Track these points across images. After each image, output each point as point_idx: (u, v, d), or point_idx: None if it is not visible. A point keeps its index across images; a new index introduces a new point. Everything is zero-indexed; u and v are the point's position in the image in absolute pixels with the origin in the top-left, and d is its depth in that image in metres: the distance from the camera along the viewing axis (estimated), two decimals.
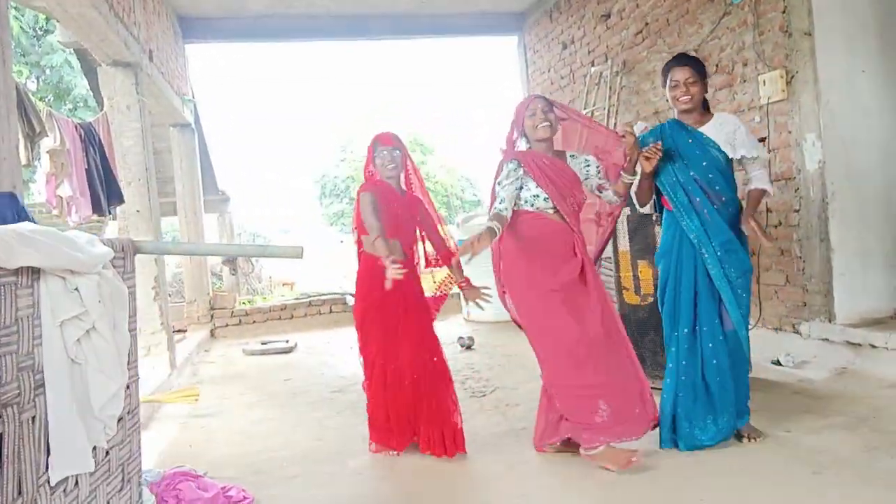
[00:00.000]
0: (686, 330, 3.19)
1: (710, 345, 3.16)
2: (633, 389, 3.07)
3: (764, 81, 4.76)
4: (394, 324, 3.34)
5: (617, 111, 6.71)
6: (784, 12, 4.60)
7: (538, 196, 3.13)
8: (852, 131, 4.47)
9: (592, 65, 7.28)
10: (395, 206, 3.38)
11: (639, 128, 5.88)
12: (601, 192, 3.26)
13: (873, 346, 4.14)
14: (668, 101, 3.33)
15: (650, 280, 4.20)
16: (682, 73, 3.17)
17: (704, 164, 3.16)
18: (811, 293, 4.55)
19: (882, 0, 4.62)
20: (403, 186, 3.55)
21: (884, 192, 4.59)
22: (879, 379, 3.93)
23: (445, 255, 3.58)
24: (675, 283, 3.23)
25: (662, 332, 4.08)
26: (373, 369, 3.41)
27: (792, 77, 4.57)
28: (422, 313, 3.48)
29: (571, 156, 3.28)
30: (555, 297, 3.07)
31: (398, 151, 3.41)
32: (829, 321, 4.43)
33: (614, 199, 3.27)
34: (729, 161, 3.21)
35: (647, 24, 6.27)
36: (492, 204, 3.19)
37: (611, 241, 4.24)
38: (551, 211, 3.14)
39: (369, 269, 3.31)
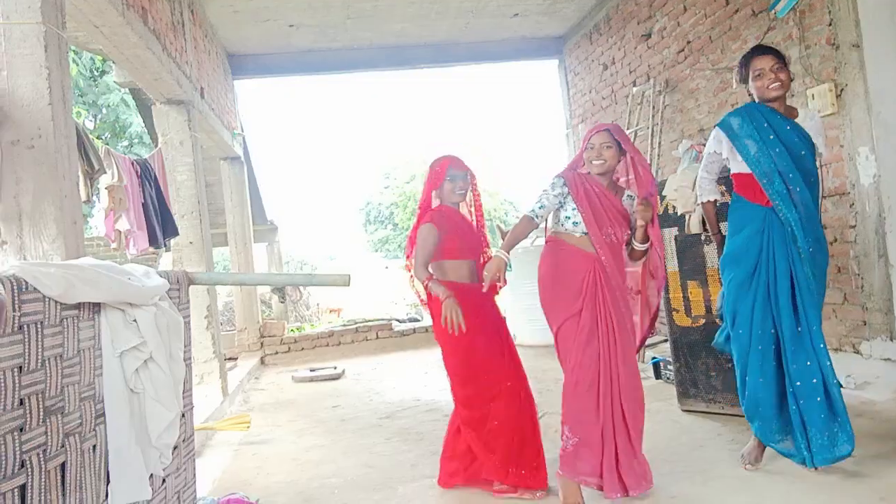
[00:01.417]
0: (789, 330, 2.94)
1: (822, 345, 2.92)
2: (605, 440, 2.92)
3: (813, 95, 4.66)
4: (497, 344, 3.24)
5: (661, 130, 6.65)
6: (830, 25, 4.51)
7: (569, 218, 3.06)
8: None
9: (634, 84, 7.25)
10: (463, 228, 3.33)
11: (684, 146, 5.83)
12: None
13: None
14: (751, 95, 3.12)
15: (701, 301, 4.12)
16: (764, 62, 3.00)
17: (803, 153, 2.98)
18: (871, 311, 4.39)
19: None
20: (464, 212, 3.46)
21: None
22: None
23: None
24: (769, 281, 2.99)
25: (714, 355, 4.01)
26: (492, 398, 3.17)
27: (841, 90, 4.47)
28: (506, 329, 3.40)
29: (630, 196, 3.17)
30: (569, 324, 3.00)
31: (468, 177, 3.33)
32: (892, 340, 4.26)
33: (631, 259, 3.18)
34: (817, 158, 3.08)
35: (688, 42, 6.22)
36: (533, 206, 3.17)
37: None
38: (578, 234, 3.05)
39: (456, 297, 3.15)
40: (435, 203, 3.36)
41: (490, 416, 3.15)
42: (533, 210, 3.10)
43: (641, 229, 3.02)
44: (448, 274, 3.24)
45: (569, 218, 3.07)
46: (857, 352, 4.49)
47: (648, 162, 6.57)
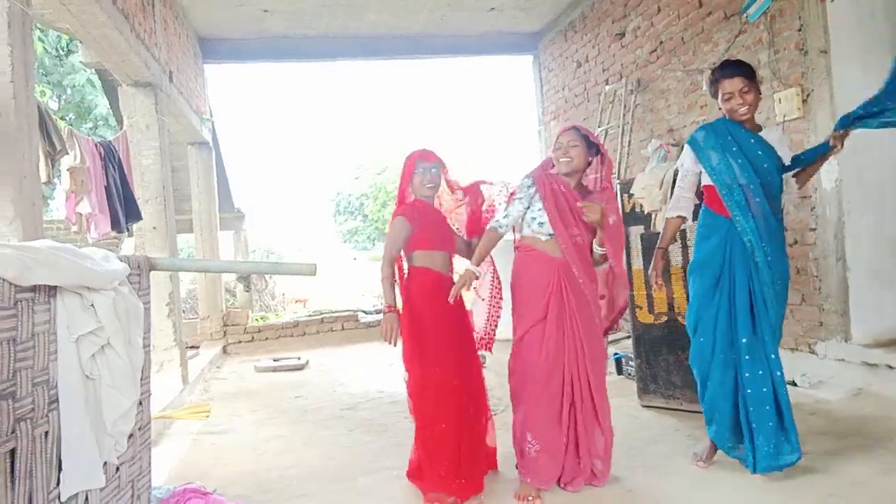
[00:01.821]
0: (745, 339, 3.01)
1: (773, 355, 3.00)
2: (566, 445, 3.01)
3: (780, 99, 4.74)
4: (456, 338, 3.20)
5: (631, 129, 6.72)
6: (800, 30, 4.59)
7: (535, 219, 3.06)
8: (869, 150, 4.44)
9: (607, 83, 7.30)
10: (436, 222, 3.31)
11: (653, 145, 5.89)
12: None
13: (890, 367, 4.07)
14: (722, 110, 3.16)
15: (664, 299, 4.18)
16: (733, 85, 3.05)
17: (766, 165, 3.05)
18: (828, 312, 4.50)
19: None
20: (437, 203, 3.43)
21: None
22: None
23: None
24: (730, 290, 3.06)
25: (675, 352, 4.08)
26: (431, 390, 3.09)
27: (808, 95, 4.56)
28: (469, 326, 3.38)
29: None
30: (534, 332, 3.02)
31: (436, 169, 3.30)
32: (846, 341, 4.38)
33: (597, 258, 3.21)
34: (782, 171, 3.14)
35: (661, 42, 6.29)
36: (498, 216, 3.19)
37: (624, 259, 4.23)
38: (544, 237, 3.05)
39: (427, 283, 3.18)
40: (410, 197, 3.35)
41: (437, 419, 3.07)
42: (497, 221, 3.12)
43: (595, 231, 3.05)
44: (426, 262, 3.23)
45: (535, 219, 3.07)
46: (813, 352, 4.60)
47: (616, 160, 6.66)
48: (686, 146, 3.24)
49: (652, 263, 3.36)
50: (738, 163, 3.03)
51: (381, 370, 6.52)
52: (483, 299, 3.42)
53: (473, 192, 3.46)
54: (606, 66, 7.43)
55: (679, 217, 3.32)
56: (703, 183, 3.22)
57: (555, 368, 2.97)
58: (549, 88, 9.15)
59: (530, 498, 2.92)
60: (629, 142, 6.69)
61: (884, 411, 3.74)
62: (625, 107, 6.75)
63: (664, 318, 4.19)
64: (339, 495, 3.20)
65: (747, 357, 3.01)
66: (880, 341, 4.33)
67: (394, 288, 3.17)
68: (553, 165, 3.19)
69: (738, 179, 3.03)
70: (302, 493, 3.26)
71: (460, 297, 3.36)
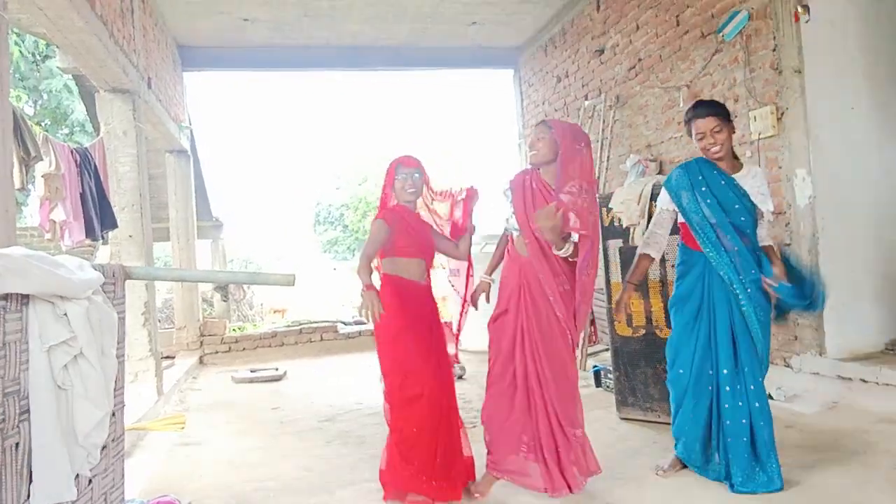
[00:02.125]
0: (726, 370, 3.05)
1: (752, 386, 3.03)
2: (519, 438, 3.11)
3: (755, 118, 4.82)
4: (425, 346, 3.18)
5: (610, 144, 6.78)
6: (774, 50, 4.68)
7: (508, 219, 3.21)
8: (842, 167, 4.53)
9: (586, 98, 7.38)
10: (415, 227, 3.32)
11: (632, 160, 5.96)
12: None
13: (864, 381, 4.14)
14: (698, 148, 3.20)
15: (642, 312, 4.21)
16: (705, 124, 3.10)
17: (737, 207, 3.09)
18: (802, 327, 4.57)
19: (871, 37, 4.72)
20: (421, 211, 3.48)
21: (873, 227, 4.64)
22: (870, 413, 3.92)
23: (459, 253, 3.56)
24: (710, 323, 3.10)
25: (653, 365, 4.11)
26: (404, 395, 3.10)
27: (782, 113, 4.64)
28: (442, 335, 3.37)
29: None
30: (496, 324, 3.22)
31: (418, 174, 3.32)
32: (820, 355, 4.44)
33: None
34: (755, 212, 3.16)
35: (640, 59, 6.37)
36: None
37: (603, 272, 4.25)
38: (516, 233, 3.16)
39: (398, 289, 3.19)
40: (392, 202, 3.37)
41: (410, 422, 3.08)
42: (506, 229, 3.30)
43: (550, 234, 2.94)
44: (399, 270, 3.24)
45: (508, 219, 3.20)
46: (788, 365, 4.66)
47: (595, 175, 6.70)
48: (663, 188, 3.30)
49: (618, 296, 3.41)
50: (707, 202, 3.10)
51: (360, 381, 6.47)
52: (459, 293, 3.62)
53: (451, 198, 3.56)
54: (586, 81, 7.51)
55: (648, 257, 3.36)
56: (679, 220, 3.27)
57: (508, 363, 3.11)
58: (529, 102, 9.22)
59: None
60: (608, 157, 6.75)
61: (858, 424, 3.79)
62: (604, 122, 6.82)
63: (642, 332, 4.21)
64: None
65: (727, 388, 3.05)
66: (854, 355, 4.40)
67: (371, 272, 3.16)
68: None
69: (709, 219, 3.09)
70: None
71: (435, 306, 3.38)
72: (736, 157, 3.26)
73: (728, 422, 3.04)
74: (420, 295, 3.24)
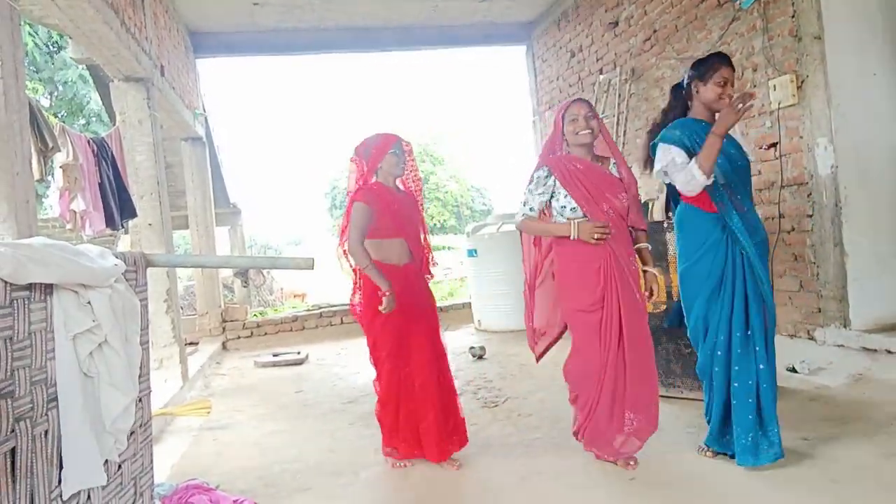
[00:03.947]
0: (738, 334, 3.00)
1: (759, 348, 2.99)
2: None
3: (774, 86, 4.73)
4: (406, 328, 3.29)
5: (626, 118, 6.70)
6: (793, 17, 4.58)
7: (566, 206, 3.05)
8: (864, 135, 4.44)
9: (601, 73, 7.28)
10: (396, 205, 3.34)
11: None
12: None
13: (889, 352, 4.08)
14: (696, 103, 3.13)
15: (663, 287, 4.17)
16: (729, 73, 3.04)
17: (741, 164, 3.06)
18: (826, 299, 4.51)
19: (892, 2, 4.59)
20: (400, 186, 3.52)
21: None
22: None
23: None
24: (731, 285, 3.01)
25: (676, 340, 4.08)
26: (385, 375, 3.36)
27: (802, 81, 4.55)
28: (431, 314, 3.45)
29: (614, 163, 3.15)
30: (579, 317, 3.08)
31: (402, 151, 3.42)
32: (845, 327, 4.38)
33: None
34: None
35: (655, 30, 6.27)
36: (522, 208, 3.20)
37: None
38: (577, 220, 3.05)
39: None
40: (371, 180, 3.40)
41: (402, 401, 3.35)
42: (525, 214, 3.16)
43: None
44: (380, 253, 3.28)
45: (564, 207, 3.05)
46: (812, 338, 4.61)
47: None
48: (669, 145, 3.07)
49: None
50: (718, 162, 2.96)
51: None
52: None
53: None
54: (600, 55, 7.41)
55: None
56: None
57: (613, 357, 3.03)
58: (543, 79, 9.12)
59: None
60: (625, 131, 6.68)
61: (884, 396, 3.75)
62: (619, 96, 6.73)
63: (663, 307, 4.18)
64: (342, 488, 3.20)
65: (739, 351, 3.00)
66: (879, 326, 4.34)
67: (367, 254, 3.24)
68: (560, 147, 3.15)
69: (719, 179, 3.00)
70: (305, 486, 3.26)
71: (422, 284, 3.44)
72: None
73: (736, 384, 2.99)
74: (401, 277, 3.27)
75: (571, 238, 3.03)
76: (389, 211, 3.28)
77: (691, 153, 2.98)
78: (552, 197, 3.08)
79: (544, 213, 3.20)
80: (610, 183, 3.06)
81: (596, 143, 3.16)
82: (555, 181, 3.05)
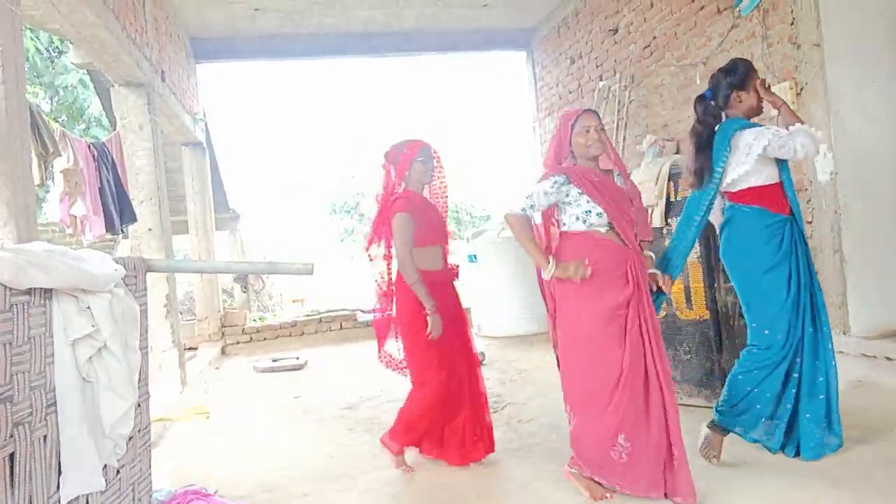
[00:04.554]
0: (811, 329, 3.07)
1: (830, 346, 3.07)
2: (659, 442, 2.77)
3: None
4: (448, 336, 3.27)
5: (626, 125, 6.71)
6: (792, 24, 4.59)
7: (591, 211, 2.88)
8: (863, 142, 4.45)
9: (601, 79, 7.30)
10: (431, 213, 3.34)
11: (648, 141, 5.89)
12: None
13: (888, 359, 4.08)
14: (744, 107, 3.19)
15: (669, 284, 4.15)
16: (757, 75, 3.18)
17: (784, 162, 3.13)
18: (826, 305, 4.50)
19: (891, 9, 4.61)
20: (427, 193, 3.48)
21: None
22: None
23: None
24: (798, 284, 3.08)
25: (674, 347, 4.08)
26: (434, 384, 3.27)
27: (801, 89, 4.56)
28: (463, 319, 3.45)
29: (618, 174, 3.08)
30: (598, 324, 2.83)
31: (430, 158, 3.37)
32: (844, 333, 4.38)
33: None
34: None
35: (654, 38, 6.28)
36: (521, 203, 2.97)
37: None
38: (604, 229, 2.90)
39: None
40: (400, 189, 3.36)
41: (436, 404, 3.31)
42: (524, 209, 2.93)
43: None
44: (420, 262, 3.25)
45: (589, 212, 2.88)
46: None
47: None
48: (757, 128, 3.10)
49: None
50: (783, 164, 3.13)
51: (380, 369, 6.49)
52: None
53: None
54: (600, 62, 7.43)
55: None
56: (751, 184, 3.13)
57: (636, 362, 2.78)
58: (542, 85, 9.14)
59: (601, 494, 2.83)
60: (624, 138, 6.69)
61: (883, 402, 3.74)
62: (619, 103, 6.75)
63: (663, 314, 4.18)
64: (341, 494, 3.20)
65: (811, 350, 3.05)
66: (879, 333, 4.34)
67: (416, 268, 3.21)
68: (565, 157, 3.06)
69: (785, 181, 3.13)
70: (303, 492, 3.25)
71: (453, 290, 3.39)
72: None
73: (806, 382, 3.03)
74: (438, 283, 3.25)
75: (545, 276, 2.92)
76: (426, 219, 3.26)
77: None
78: (568, 205, 2.94)
79: (551, 222, 3.09)
80: (622, 195, 2.99)
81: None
82: (575, 189, 2.90)
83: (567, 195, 2.91)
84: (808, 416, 3.03)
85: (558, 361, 3.04)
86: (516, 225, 2.96)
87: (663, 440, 2.77)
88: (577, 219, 2.91)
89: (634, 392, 2.78)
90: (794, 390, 3.06)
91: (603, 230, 2.90)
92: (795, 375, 3.05)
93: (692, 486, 2.72)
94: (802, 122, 3.10)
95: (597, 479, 2.86)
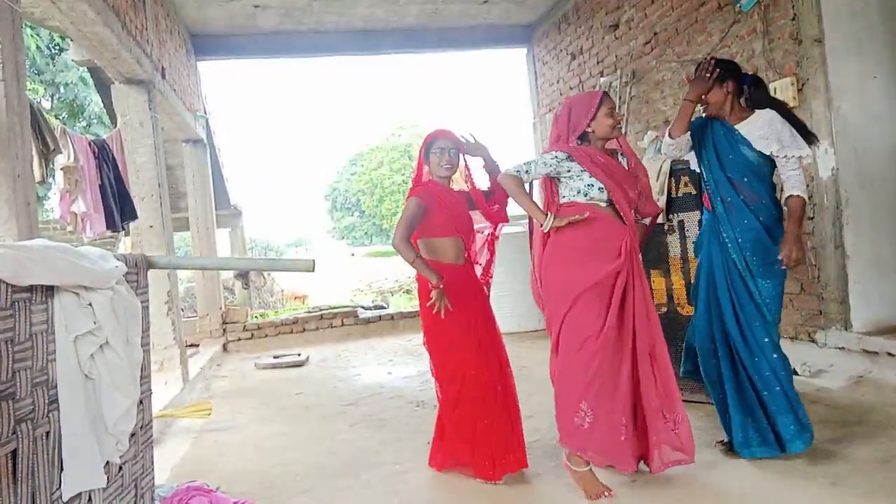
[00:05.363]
0: (732, 331, 3.09)
1: (766, 340, 3.06)
2: (623, 415, 2.83)
3: (775, 89, 4.72)
4: (465, 328, 3.15)
5: (627, 121, 6.70)
6: (794, 19, 4.58)
7: (592, 186, 2.94)
8: (864, 138, 4.44)
9: (601, 75, 7.28)
10: (451, 204, 3.25)
11: (649, 137, 5.88)
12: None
13: (890, 355, 4.08)
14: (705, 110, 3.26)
15: (663, 290, 4.18)
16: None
17: (731, 157, 3.11)
18: (827, 301, 4.51)
19: (892, 5, 4.60)
20: (454, 185, 3.41)
21: None
22: None
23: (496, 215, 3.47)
24: (711, 283, 3.14)
25: (675, 343, 4.08)
26: (458, 384, 3.16)
27: (803, 84, 4.55)
28: (488, 315, 3.31)
29: (621, 154, 3.14)
30: (586, 295, 2.87)
31: (454, 150, 3.27)
32: (846, 329, 4.38)
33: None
34: (766, 161, 3.11)
35: (655, 33, 6.27)
36: (518, 166, 3.05)
37: None
38: (604, 204, 2.97)
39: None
40: (426, 178, 3.34)
41: (459, 402, 3.16)
42: (518, 170, 3.01)
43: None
44: (435, 253, 3.21)
45: (591, 186, 2.94)
46: (813, 340, 4.61)
47: None
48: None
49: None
50: (712, 159, 3.15)
51: (381, 366, 6.51)
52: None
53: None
54: (601, 57, 7.41)
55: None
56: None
57: (611, 333, 2.83)
58: (543, 81, 9.12)
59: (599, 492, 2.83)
60: (625, 134, 6.68)
61: (884, 398, 3.75)
62: (620, 98, 6.74)
63: (664, 310, 4.18)
64: (342, 490, 3.20)
65: (741, 347, 3.08)
66: (880, 329, 4.34)
67: (412, 247, 3.12)
68: (569, 139, 3.08)
69: (713, 177, 3.17)
70: (305, 488, 3.25)
71: (478, 285, 3.35)
72: (749, 106, 3.24)
73: (755, 377, 3.05)
74: (458, 277, 3.18)
75: (544, 229, 2.96)
76: (444, 209, 3.19)
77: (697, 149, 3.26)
78: (570, 179, 2.99)
79: (551, 194, 3.13)
80: (626, 173, 3.05)
81: None
82: (577, 166, 2.96)
83: (568, 171, 2.99)
84: (773, 408, 3.03)
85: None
86: (512, 184, 3.05)
87: (627, 413, 2.84)
88: (579, 192, 2.99)
89: (603, 361, 2.82)
90: (756, 389, 3.07)
91: (603, 205, 2.98)
92: (753, 377, 3.07)
93: (692, 444, 2.89)
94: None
95: (573, 450, 2.88)
